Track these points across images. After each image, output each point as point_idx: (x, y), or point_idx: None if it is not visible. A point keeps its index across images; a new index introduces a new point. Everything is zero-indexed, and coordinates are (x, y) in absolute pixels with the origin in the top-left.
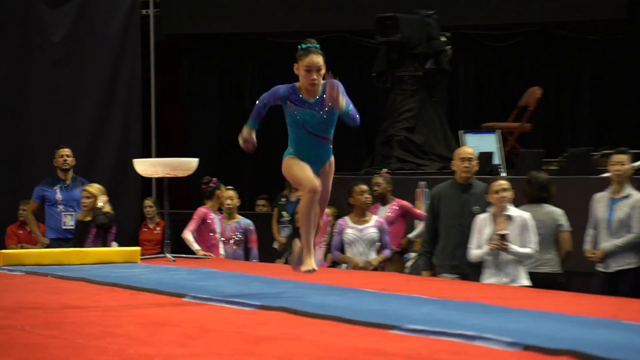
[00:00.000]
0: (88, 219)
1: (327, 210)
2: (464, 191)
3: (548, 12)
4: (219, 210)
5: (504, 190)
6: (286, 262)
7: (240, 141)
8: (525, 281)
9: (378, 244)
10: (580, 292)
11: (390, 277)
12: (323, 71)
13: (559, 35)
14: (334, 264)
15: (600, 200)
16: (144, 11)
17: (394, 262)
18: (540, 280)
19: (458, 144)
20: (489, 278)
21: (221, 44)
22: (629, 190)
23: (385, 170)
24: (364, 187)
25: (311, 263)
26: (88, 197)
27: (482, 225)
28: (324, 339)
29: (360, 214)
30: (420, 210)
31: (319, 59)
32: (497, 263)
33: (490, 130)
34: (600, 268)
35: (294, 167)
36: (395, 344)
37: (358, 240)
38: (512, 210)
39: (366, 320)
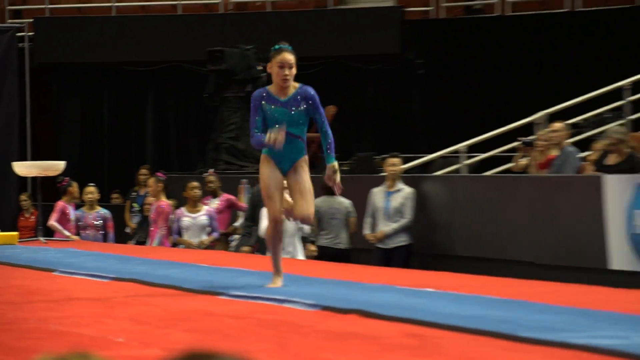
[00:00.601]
0: None
1: (169, 202)
2: None
3: (341, 47)
4: (82, 204)
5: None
6: (138, 243)
7: (278, 138)
8: (301, 256)
9: (208, 228)
10: (363, 264)
11: (218, 254)
12: (294, 70)
13: (349, 65)
14: (174, 245)
15: (377, 193)
16: (20, 44)
17: (221, 243)
18: (335, 254)
19: None
20: None
21: (83, 70)
22: (400, 185)
23: (212, 170)
24: (195, 183)
25: (278, 282)
26: None
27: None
28: (167, 303)
29: (193, 204)
30: (243, 202)
31: (290, 57)
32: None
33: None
34: (379, 245)
35: (265, 189)
36: (223, 307)
37: (192, 225)
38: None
39: (199, 288)
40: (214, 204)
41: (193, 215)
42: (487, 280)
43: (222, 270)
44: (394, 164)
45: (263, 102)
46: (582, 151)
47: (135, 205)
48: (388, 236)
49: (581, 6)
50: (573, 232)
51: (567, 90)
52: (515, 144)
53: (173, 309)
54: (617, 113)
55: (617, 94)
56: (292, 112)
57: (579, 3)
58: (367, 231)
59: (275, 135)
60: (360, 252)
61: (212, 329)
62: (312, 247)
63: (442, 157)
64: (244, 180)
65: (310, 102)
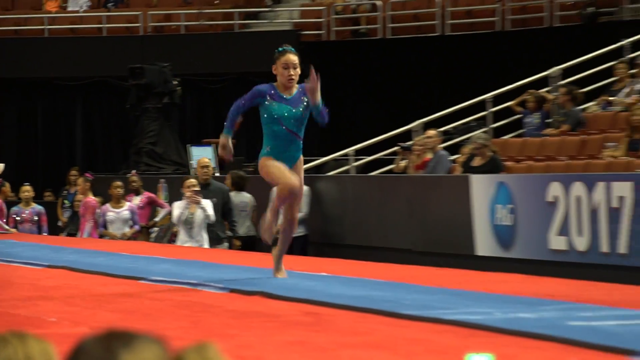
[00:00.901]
0: None
1: (96, 198)
2: (205, 188)
3: (245, 64)
4: (18, 201)
5: (194, 186)
6: (69, 235)
7: (220, 150)
8: (206, 245)
9: (130, 222)
10: (266, 252)
11: (139, 244)
12: (298, 70)
13: (253, 80)
14: (101, 236)
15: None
16: None
17: (142, 235)
18: (247, 240)
19: (187, 153)
20: (185, 243)
21: (19, 84)
22: None
23: (135, 171)
24: (119, 182)
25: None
26: None
27: (181, 207)
28: (94, 287)
29: (117, 201)
30: (161, 199)
31: (294, 57)
32: (190, 233)
33: (208, 144)
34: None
35: (271, 169)
36: (143, 290)
37: (116, 219)
38: (200, 199)
39: (122, 274)
40: (137, 200)
41: (117, 210)
42: (372, 265)
43: (143, 259)
44: None
45: (267, 97)
46: (452, 154)
47: (66, 201)
48: None
49: (450, 31)
50: (445, 224)
51: (439, 102)
52: (395, 148)
53: (99, 292)
54: (481, 122)
55: (481, 106)
56: (296, 110)
57: (448, 28)
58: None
59: (223, 152)
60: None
61: (134, 309)
62: (237, 243)
63: (333, 159)
64: (162, 180)
65: (308, 93)
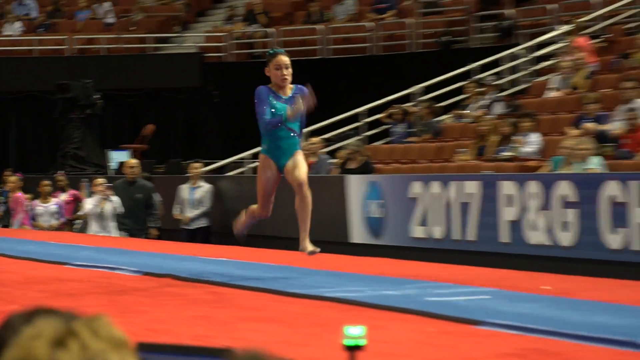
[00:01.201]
0: None
1: (26, 195)
2: (131, 185)
3: (157, 81)
4: None
5: (102, 184)
6: (3, 227)
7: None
8: (114, 233)
9: (57, 215)
10: (174, 241)
11: (65, 234)
12: (290, 70)
13: (164, 95)
14: (34, 227)
15: (184, 189)
16: None
17: (67, 226)
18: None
19: (106, 157)
20: (97, 233)
21: None
22: (201, 183)
23: (62, 172)
24: (47, 181)
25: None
26: None
27: (92, 203)
28: (25, 272)
29: (45, 197)
30: (84, 196)
31: (286, 59)
32: (101, 223)
33: (125, 149)
34: (185, 227)
35: (259, 176)
36: (68, 274)
37: (45, 213)
38: (110, 195)
39: (50, 259)
40: (63, 197)
41: (45, 205)
42: (266, 252)
43: (67, 246)
44: (196, 167)
45: (270, 95)
46: (332, 158)
47: (1, 198)
48: (192, 220)
49: (331, 54)
50: (326, 216)
51: (321, 113)
52: None
53: (29, 275)
54: (356, 131)
55: (356, 117)
56: (294, 108)
57: (329, 52)
58: (176, 212)
59: (297, 106)
60: (172, 232)
61: (59, 290)
62: (156, 232)
63: (232, 162)
64: (85, 180)
65: (304, 97)
